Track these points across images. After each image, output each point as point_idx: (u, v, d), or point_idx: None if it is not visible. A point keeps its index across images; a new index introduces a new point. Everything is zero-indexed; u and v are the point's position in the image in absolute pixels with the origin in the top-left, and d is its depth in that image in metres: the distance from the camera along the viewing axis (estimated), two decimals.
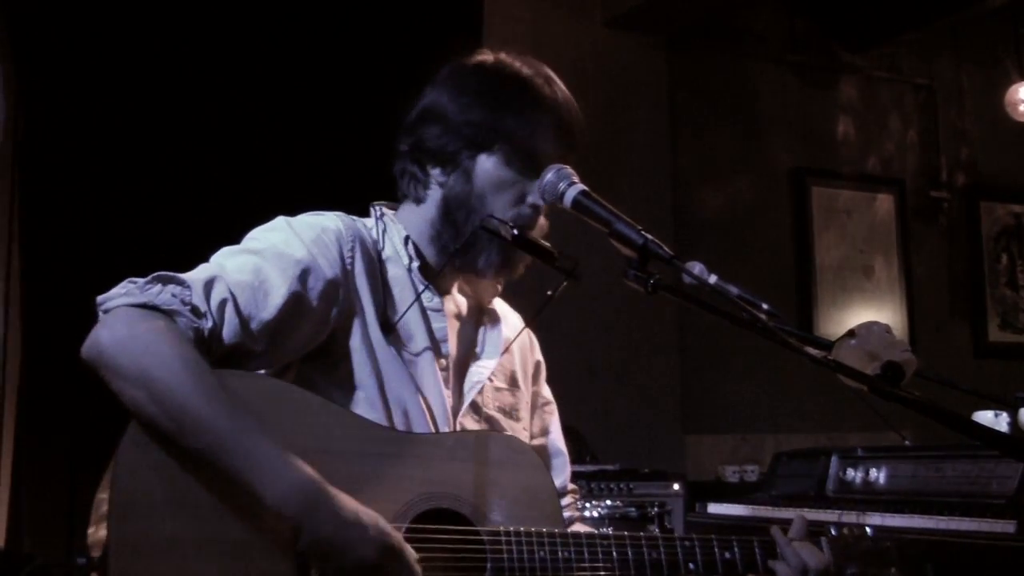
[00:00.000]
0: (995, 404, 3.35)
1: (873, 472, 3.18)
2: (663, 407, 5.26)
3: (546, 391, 2.10)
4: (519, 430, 1.97)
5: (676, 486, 4.17)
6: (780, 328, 1.91)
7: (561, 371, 4.76)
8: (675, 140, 5.52)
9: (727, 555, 1.84)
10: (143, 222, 3.93)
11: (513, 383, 2.00)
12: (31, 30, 3.99)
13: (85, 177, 4.01)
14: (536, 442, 2.03)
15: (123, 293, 1.63)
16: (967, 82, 6.43)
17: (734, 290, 1.97)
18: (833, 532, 1.90)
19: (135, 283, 1.64)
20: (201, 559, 1.57)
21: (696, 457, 5.33)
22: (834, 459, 3.35)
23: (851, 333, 1.67)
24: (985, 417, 3.37)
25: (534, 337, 2.10)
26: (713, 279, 1.96)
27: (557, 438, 2.09)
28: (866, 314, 5.89)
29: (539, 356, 2.10)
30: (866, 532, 1.92)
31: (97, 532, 1.57)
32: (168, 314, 1.61)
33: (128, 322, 1.60)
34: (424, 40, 4.28)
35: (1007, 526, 2.59)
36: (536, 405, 2.07)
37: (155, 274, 1.66)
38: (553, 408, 2.11)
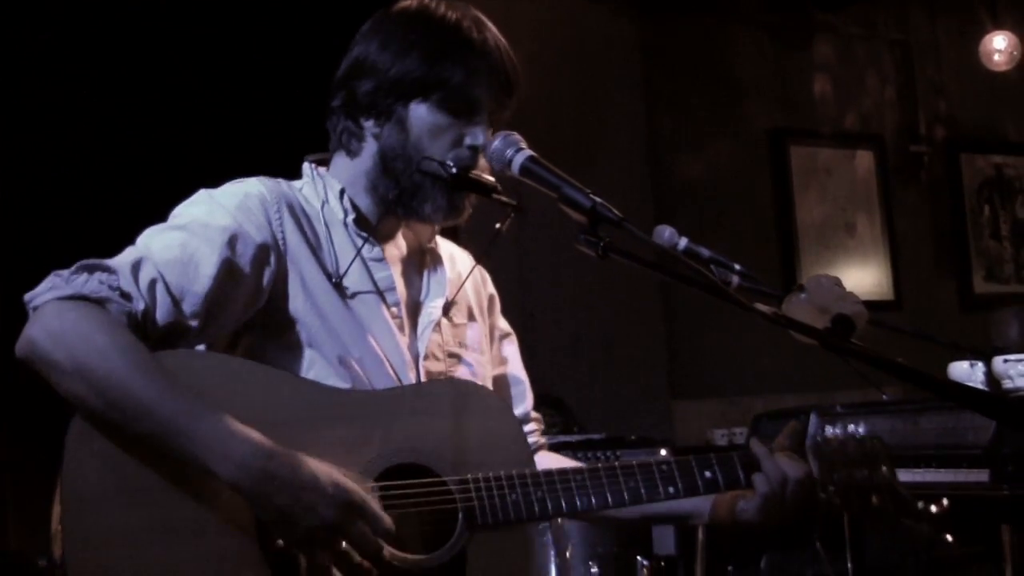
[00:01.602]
0: (971, 355, 3.35)
1: (852, 428, 3.17)
2: (650, 374, 5.24)
3: (502, 322, 2.10)
4: (483, 363, 1.97)
5: (663, 452, 4.16)
6: (743, 286, 1.90)
7: (547, 341, 4.83)
8: (651, 106, 5.48)
9: (708, 474, 1.80)
10: (119, 220, 3.90)
11: (471, 317, 2.00)
12: None
13: (59, 181, 4.00)
14: (496, 371, 2.04)
15: (50, 287, 1.61)
16: (942, 35, 6.40)
17: (705, 252, 1.96)
18: (819, 439, 1.85)
19: (60, 275, 1.62)
20: (158, 544, 1.56)
21: (685, 423, 5.33)
22: (813, 417, 3.34)
23: (800, 287, 1.65)
24: (960, 367, 3.37)
25: (486, 272, 2.10)
26: (683, 243, 1.95)
27: (516, 367, 2.09)
28: (851, 271, 5.90)
29: (492, 289, 2.10)
30: (853, 435, 1.86)
31: (56, 532, 1.56)
32: (98, 302, 1.59)
33: (59, 315, 1.57)
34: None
35: (981, 475, 2.61)
36: (494, 337, 2.07)
37: (79, 263, 1.63)
38: (512, 338, 2.11)
